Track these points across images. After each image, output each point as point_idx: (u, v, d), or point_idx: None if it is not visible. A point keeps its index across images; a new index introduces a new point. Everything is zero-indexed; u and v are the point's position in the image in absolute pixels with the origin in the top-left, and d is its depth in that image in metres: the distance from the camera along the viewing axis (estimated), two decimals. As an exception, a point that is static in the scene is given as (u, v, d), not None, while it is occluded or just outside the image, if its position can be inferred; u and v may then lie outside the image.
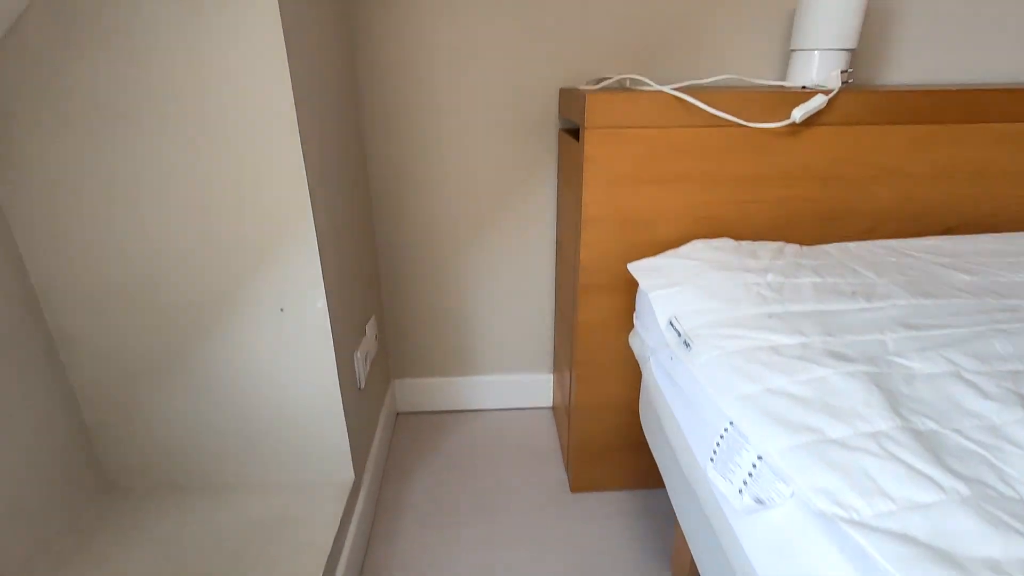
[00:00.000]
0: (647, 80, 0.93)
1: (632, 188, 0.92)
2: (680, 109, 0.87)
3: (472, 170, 1.23)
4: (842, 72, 0.95)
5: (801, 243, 0.95)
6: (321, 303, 0.88)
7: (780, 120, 0.87)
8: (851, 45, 0.96)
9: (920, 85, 1.15)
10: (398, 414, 1.46)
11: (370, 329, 1.18)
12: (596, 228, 0.94)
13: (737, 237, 0.95)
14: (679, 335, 0.68)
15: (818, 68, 0.97)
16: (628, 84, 1.05)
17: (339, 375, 0.94)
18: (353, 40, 1.11)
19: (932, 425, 0.49)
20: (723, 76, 0.98)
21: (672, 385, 0.70)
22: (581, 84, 1.16)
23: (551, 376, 1.44)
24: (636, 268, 0.88)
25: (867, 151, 0.91)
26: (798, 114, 0.85)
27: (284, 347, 0.90)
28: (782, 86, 1.00)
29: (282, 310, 0.88)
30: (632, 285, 0.96)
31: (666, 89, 0.86)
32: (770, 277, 0.75)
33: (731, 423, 0.54)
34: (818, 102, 0.84)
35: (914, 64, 1.15)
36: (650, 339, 0.80)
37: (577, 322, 1.01)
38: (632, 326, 0.91)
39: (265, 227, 0.83)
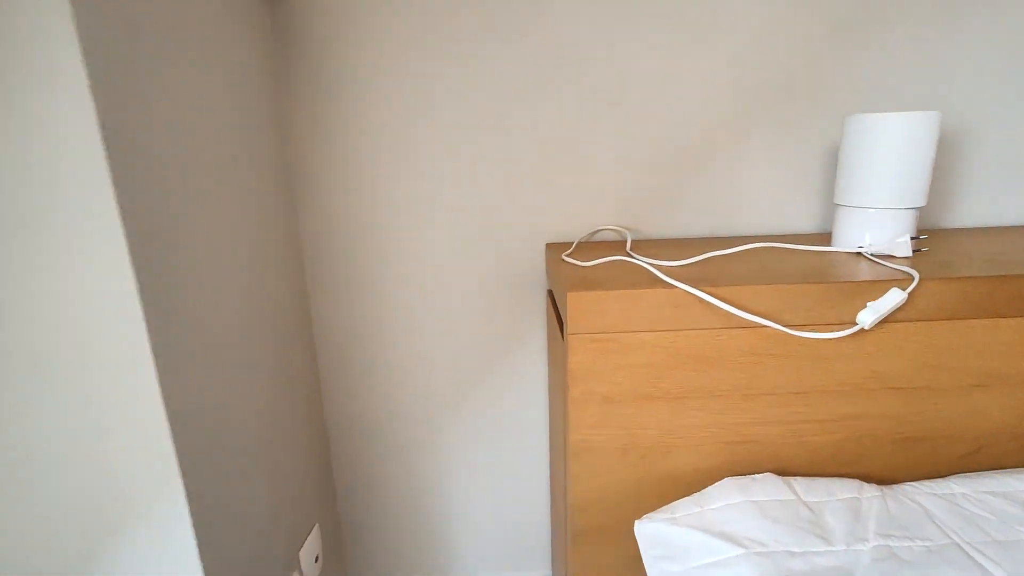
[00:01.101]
0: (647, 263, 0.70)
1: (637, 406, 0.67)
2: (699, 306, 0.63)
3: (443, 337, 0.99)
4: (913, 239, 0.71)
5: (877, 475, 0.68)
6: (200, 590, 0.63)
7: (842, 325, 0.62)
8: (920, 203, 0.72)
9: (993, 226, 0.90)
10: (358, 631, 1.16)
11: (308, 552, 0.91)
12: (590, 459, 0.69)
13: (787, 466, 0.69)
14: None
15: (876, 230, 0.74)
16: (628, 246, 0.82)
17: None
18: (293, 198, 0.91)
19: None
20: (753, 244, 0.74)
21: None
22: (574, 237, 0.94)
23: (550, 579, 1.14)
24: (645, 536, 0.61)
25: (965, 352, 0.65)
26: (868, 319, 0.60)
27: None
28: (828, 251, 0.76)
29: (147, 599, 0.63)
30: (643, 537, 0.69)
31: (679, 284, 0.62)
32: (857, 606, 0.48)
33: None
34: (895, 300, 0.60)
35: (987, 205, 0.91)
36: None
37: (569, 579, 0.73)
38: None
39: (119, 498, 0.59)
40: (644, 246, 0.85)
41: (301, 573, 0.88)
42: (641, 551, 0.60)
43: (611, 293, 0.63)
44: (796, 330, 0.60)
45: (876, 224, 0.74)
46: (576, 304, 0.63)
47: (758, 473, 0.67)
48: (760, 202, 0.90)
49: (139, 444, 0.57)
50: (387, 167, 0.90)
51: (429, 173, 0.91)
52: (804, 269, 0.68)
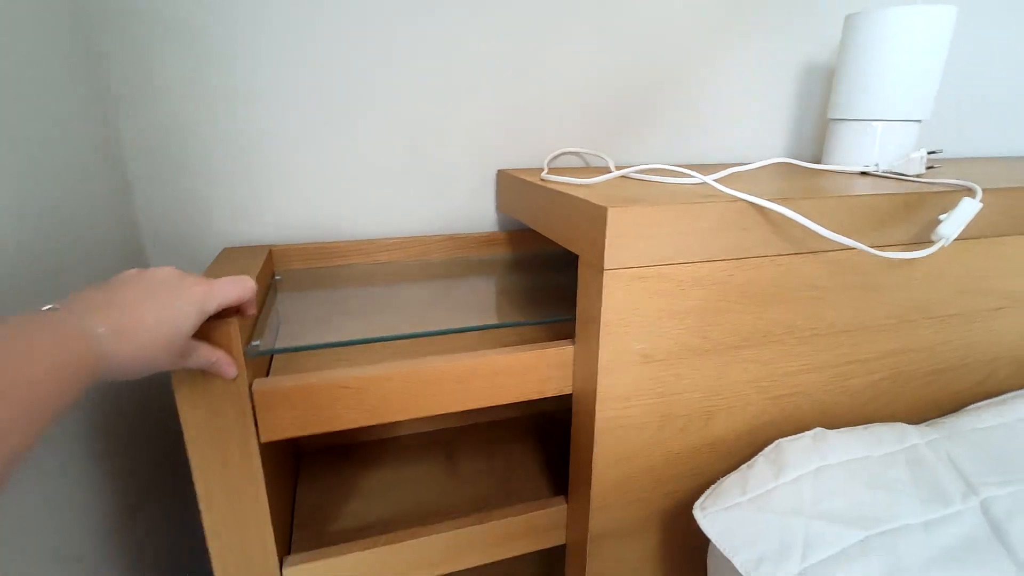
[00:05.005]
0: (684, 173, 0.54)
1: (681, 365, 0.51)
2: (765, 227, 0.48)
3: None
4: (930, 153, 0.65)
5: (904, 413, 0.62)
6: None
7: (909, 240, 0.53)
8: (926, 115, 0.66)
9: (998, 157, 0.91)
10: None
11: None
12: (614, 444, 0.52)
13: (830, 417, 0.59)
14: None
15: (883, 147, 0.66)
16: (614, 171, 0.66)
17: None
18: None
19: None
20: (773, 159, 0.62)
21: None
22: (526, 164, 0.74)
23: None
24: (722, 530, 0.46)
25: (995, 274, 0.60)
26: (951, 231, 0.50)
27: None
28: (834, 170, 0.68)
29: None
30: (679, 520, 0.55)
31: (749, 198, 0.47)
32: None
33: None
34: (971, 210, 0.51)
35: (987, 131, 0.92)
36: None
37: (587, 597, 0.56)
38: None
39: None
40: (626, 170, 0.69)
41: None
42: (720, 551, 0.44)
43: (667, 209, 0.45)
44: (881, 250, 0.48)
45: (883, 140, 0.66)
46: (619, 224, 0.44)
47: (806, 430, 0.56)
48: (738, 124, 0.79)
49: None
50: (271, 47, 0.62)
51: (338, 60, 0.64)
52: (838, 190, 0.57)
